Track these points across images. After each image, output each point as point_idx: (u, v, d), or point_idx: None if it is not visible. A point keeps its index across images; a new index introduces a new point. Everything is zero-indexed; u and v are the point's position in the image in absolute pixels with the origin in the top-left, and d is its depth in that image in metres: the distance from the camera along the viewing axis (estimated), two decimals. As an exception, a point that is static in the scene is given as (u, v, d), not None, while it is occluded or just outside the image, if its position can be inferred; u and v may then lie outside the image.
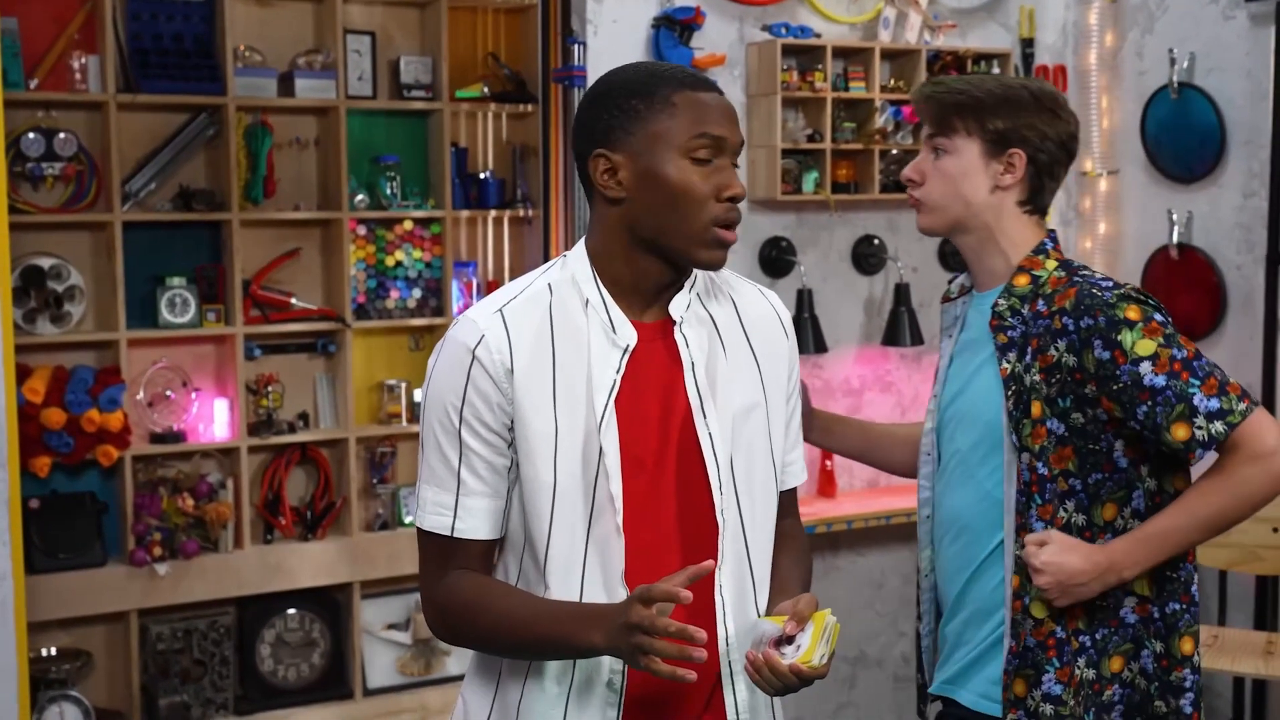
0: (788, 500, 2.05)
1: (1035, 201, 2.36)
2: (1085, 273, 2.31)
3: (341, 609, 4.53)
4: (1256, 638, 4.15)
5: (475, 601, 1.83)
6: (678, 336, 1.89)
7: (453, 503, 1.85)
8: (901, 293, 4.62)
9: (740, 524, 1.91)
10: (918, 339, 4.62)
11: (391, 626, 4.60)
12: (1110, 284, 2.25)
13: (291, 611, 4.43)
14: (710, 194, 1.83)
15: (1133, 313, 2.20)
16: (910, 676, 4.98)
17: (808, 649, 1.77)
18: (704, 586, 1.85)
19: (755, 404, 1.94)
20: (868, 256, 4.73)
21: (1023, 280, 2.31)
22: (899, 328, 4.60)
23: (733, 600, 1.89)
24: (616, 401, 1.84)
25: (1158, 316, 2.22)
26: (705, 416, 1.87)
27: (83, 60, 4.16)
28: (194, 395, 4.34)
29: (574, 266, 1.89)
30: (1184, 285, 4.72)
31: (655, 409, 1.87)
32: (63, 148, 4.12)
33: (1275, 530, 4.15)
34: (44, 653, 4.16)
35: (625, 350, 1.86)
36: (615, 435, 1.83)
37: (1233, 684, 4.46)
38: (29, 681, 3.39)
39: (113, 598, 4.18)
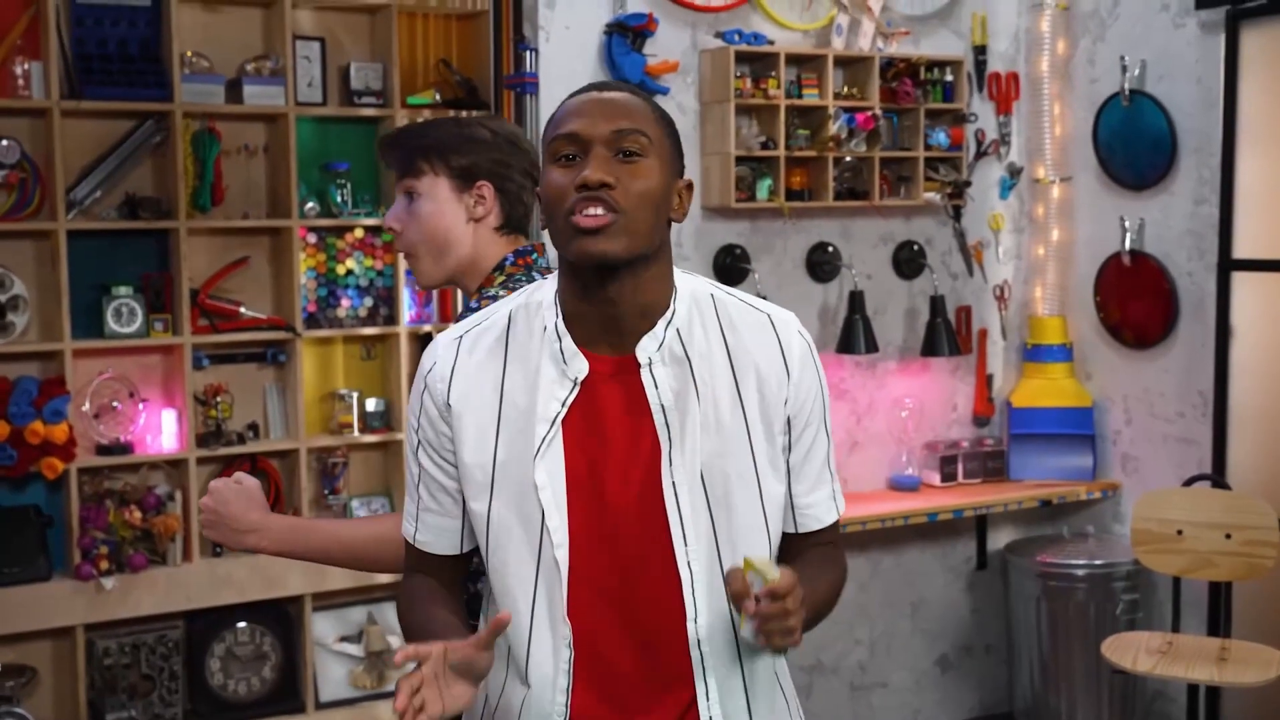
0: (816, 540, 1.94)
1: (512, 224, 2.40)
2: (511, 285, 2.29)
3: (293, 622, 4.47)
4: (1210, 644, 4.17)
5: (406, 605, 1.90)
6: (645, 377, 1.79)
7: (415, 513, 1.91)
8: (856, 300, 4.62)
9: (723, 577, 1.75)
10: (872, 346, 4.61)
11: (344, 639, 4.54)
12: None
13: (242, 625, 4.37)
14: (570, 187, 1.74)
15: None
16: (866, 684, 4.97)
17: (766, 577, 1.66)
18: (678, 646, 1.79)
19: (732, 451, 1.80)
20: (822, 264, 4.73)
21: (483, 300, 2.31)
22: (854, 335, 4.60)
23: (714, 659, 1.81)
24: (565, 435, 1.78)
25: None
26: (672, 464, 1.77)
27: (26, 66, 4.09)
28: (141, 406, 4.27)
29: (544, 292, 1.85)
30: (1136, 292, 4.75)
31: (616, 449, 1.78)
32: (5, 155, 4.05)
33: (1228, 537, 4.16)
34: (-12, 669, 4.09)
35: (575, 383, 1.78)
36: (556, 468, 1.77)
37: (1186, 691, 4.48)
38: (-30, 700, 3.33)
39: (58, 612, 4.11)
